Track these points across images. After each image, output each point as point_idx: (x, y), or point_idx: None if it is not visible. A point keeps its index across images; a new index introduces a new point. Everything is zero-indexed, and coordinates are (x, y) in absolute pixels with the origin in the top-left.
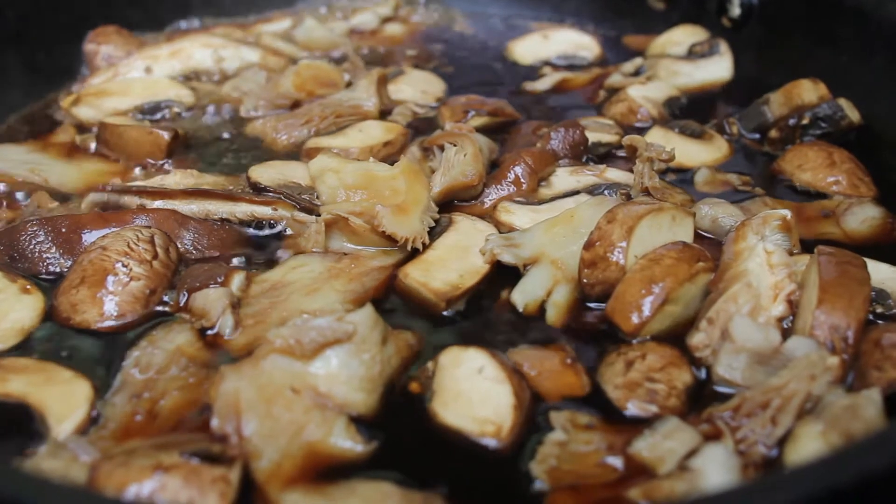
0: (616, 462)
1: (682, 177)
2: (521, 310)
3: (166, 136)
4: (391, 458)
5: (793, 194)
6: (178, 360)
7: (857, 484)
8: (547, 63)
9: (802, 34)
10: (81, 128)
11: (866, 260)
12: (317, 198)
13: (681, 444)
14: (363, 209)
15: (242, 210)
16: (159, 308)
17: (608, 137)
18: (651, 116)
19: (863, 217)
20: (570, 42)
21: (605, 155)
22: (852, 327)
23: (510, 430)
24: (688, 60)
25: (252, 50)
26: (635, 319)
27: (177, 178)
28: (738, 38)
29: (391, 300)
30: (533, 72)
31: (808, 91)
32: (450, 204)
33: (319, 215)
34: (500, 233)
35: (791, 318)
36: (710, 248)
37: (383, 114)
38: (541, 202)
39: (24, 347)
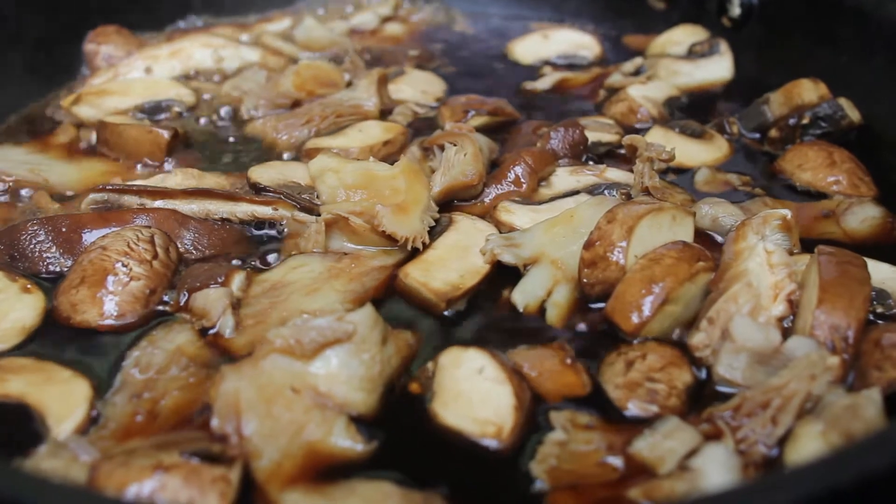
0: (616, 462)
1: (682, 176)
2: (521, 310)
3: (166, 135)
4: (391, 458)
5: (793, 194)
6: (178, 359)
7: (857, 484)
8: (547, 63)
9: (802, 34)
10: (82, 127)
11: (866, 260)
12: (317, 197)
13: (681, 444)
14: (363, 209)
15: (243, 210)
16: (159, 308)
17: (608, 137)
18: (651, 116)
19: (863, 217)
20: (571, 42)
21: (605, 154)
22: (852, 327)
23: (511, 431)
24: (688, 60)
25: (252, 50)
26: (635, 319)
27: (177, 177)
28: (739, 37)
29: (391, 300)
30: (533, 71)
31: (809, 91)
32: (450, 203)
33: (319, 215)
34: (501, 233)
35: (791, 317)
36: (711, 247)
37: (383, 114)
38: (541, 202)
39: (25, 347)
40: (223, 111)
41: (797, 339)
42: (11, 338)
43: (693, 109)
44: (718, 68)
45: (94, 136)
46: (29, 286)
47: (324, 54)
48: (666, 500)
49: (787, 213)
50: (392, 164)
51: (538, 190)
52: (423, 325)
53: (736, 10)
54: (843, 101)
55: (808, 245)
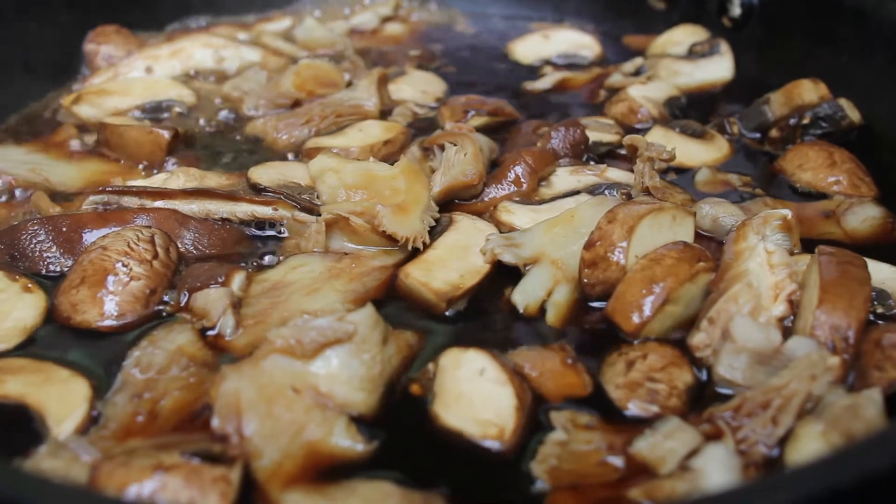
0: (617, 462)
1: (682, 176)
2: (521, 310)
3: (167, 135)
4: (392, 459)
5: (793, 194)
6: (178, 359)
7: (857, 484)
8: (548, 62)
9: (803, 34)
10: (82, 127)
11: (867, 260)
12: (317, 197)
13: (682, 444)
14: (363, 209)
15: (243, 210)
16: (160, 308)
17: (609, 137)
18: (651, 116)
19: (863, 217)
20: (571, 41)
21: (605, 154)
22: (853, 327)
23: (513, 432)
24: (688, 60)
25: (252, 50)
26: (636, 319)
27: (178, 178)
28: (739, 37)
29: (392, 300)
30: (533, 71)
31: (809, 91)
32: (450, 203)
33: (320, 215)
34: (501, 233)
35: (792, 317)
36: (711, 247)
37: (383, 114)
38: (541, 202)
39: (26, 347)
40: (223, 111)
41: (798, 340)
42: (13, 337)
43: (693, 109)
44: (719, 68)
45: (87, 139)
46: (30, 286)
47: (324, 54)
48: (666, 500)
49: (788, 213)
50: (392, 164)
51: (538, 190)
52: (424, 325)
53: (736, 10)
54: (843, 102)
55: (808, 245)
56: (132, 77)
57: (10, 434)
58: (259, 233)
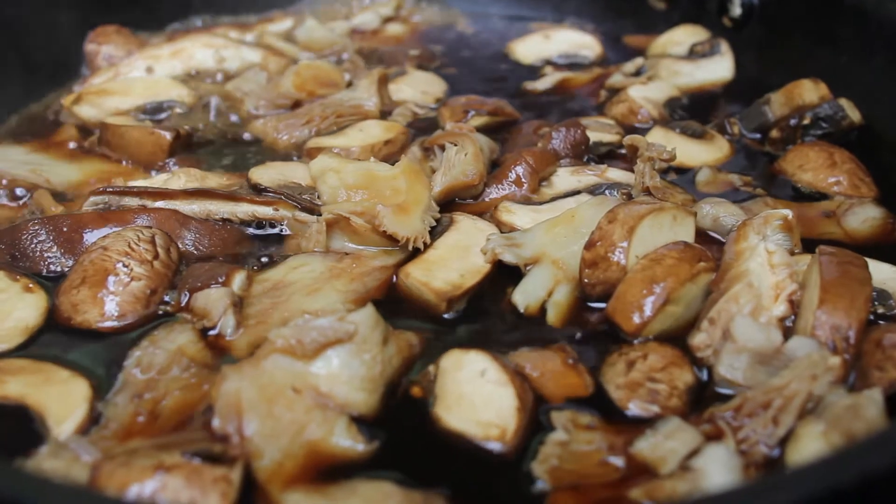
0: (618, 462)
1: (683, 177)
2: (522, 310)
3: (168, 136)
4: (393, 459)
5: (794, 194)
6: (179, 360)
7: (858, 484)
8: (548, 62)
9: (803, 34)
10: (83, 128)
11: (867, 260)
12: (318, 198)
13: (682, 444)
14: (364, 209)
15: (244, 210)
16: (161, 308)
17: (609, 137)
18: (652, 117)
19: (864, 217)
20: (572, 41)
21: (606, 154)
22: (854, 327)
23: (515, 433)
24: (689, 60)
25: (253, 50)
26: (637, 319)
27: (180, 178)
28: (739, 37)
29: (392, 300)
30: (534, 72)
31: (809, 91)
32: (451, 203)
33: (320, 215)
34: (501, 233)
35: (792, 318)
36: (712, 247)
37: (384, 114)
38: (542, 202)
39: (27, 347)
40: (224, 111)
41: (798, 340)
42: (14, 337)
43: (694, 110)
44: (719, 68)
45: (88, 140)
46: (31, 286)
47: (324, 54)
48: (667, 500)
49: (789, 213)
50: (393, 164)
51: (539, 190)
52: (425, 325)
53: (737, 11)
54: (843, 102)
55: (809, 245)
56: (133, 77)
57: (10, 435)
58: (260, 233)
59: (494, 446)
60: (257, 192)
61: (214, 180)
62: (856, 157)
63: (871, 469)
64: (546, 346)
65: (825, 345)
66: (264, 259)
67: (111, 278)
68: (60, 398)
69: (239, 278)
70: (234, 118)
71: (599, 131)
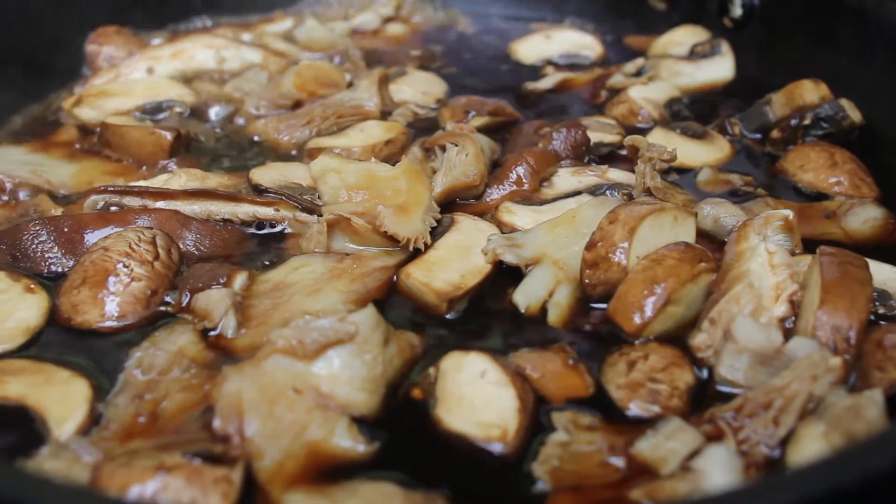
0: (618, 462)
1: (683, 177)
2: (522, 310)
3: (169, 136)
4: (394, 460)
5: (794, 195)
6: (180, 360)
7: (859, 485)
8: (549, 62)
9: (804, 34)
10: (83, 128)
11: (868, 260)
12: (318, 198)
13: (683, 445)
14: (365, 209)
15: (244, 211)
16: (161, 309)
17: (610, 138)
18: (652, 118)
19: (864, 218)
20: (573, 41)
21: (607, 155)
22: (854, 328)
23: (516, 434)
24: (689, 61)
25: (253, 50)
26: (637, 320)
27: (180, 178)
28: (740, 38)
29: (393, 300)
30: (535, 72)
31: (810, 91)
32: (451, 204)
33: (321, 216)
34: (502, 233)
35: (793, 318)
36: (712, 248)
37: (384, 114)
38: (543, 202)
39: (29, 347)
40: (224, 112)
41: (799, 340)
42: (16, 337)
43: (694, 110)
44: (720, 69)
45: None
46: (32, 286)
47: (325, 55)
48: (668, 500)
49: (789, 213)
50: (394, 164)
51: (540, 190)
52: (425, 325)
53: (737, 11)
54: (844, 102)
55: (809, 246)
56: (133, 78)
57: (11, 435)
58: (261, 233)
59: (495, 447)
60: (258, 192)
61: (215, 180)
62: (857, 158)
63: (871, 470)
64: (546, 347)
65: (826, 345)
66: (265, 260)
67: (112, 279)
68: (61, 399)
69: (240, 279)
70: (234, 118)
71: (600, 132)
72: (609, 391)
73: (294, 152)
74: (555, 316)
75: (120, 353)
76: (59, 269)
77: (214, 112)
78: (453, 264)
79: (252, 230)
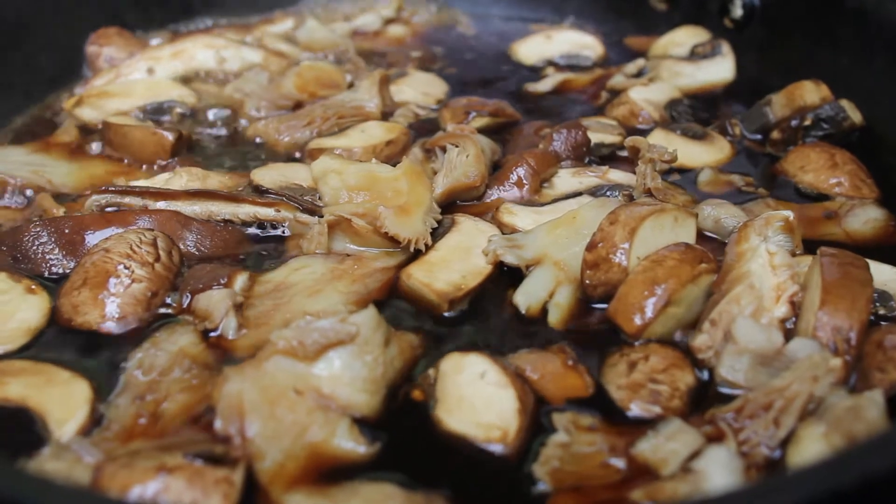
0: (619, 463)
1: (684, 178)
2: (523, 311)
3: (170, 136)
4: (394, 461)
5: (795, 195)
6: (181, 361)
7: (859, 485)
8: (550, 63)
9: (804, 35)
10: (84, 128)
11: (868, 261)
12: (319, 199)
13: (684, 446)
14: (366, 210)
15: (245, 211)
16: (162, 310)
17: (611, 138)
18: (653, 119)
19: (865, 218)
20: (574, 42)
21: (607, 156)
22: (855, 329)
23: (516, 435)
24: (690, 61)
25: (254, 51)
26: (638, 321)
27: (180, 178)
28: (740, 39)
29: (394, 301)
30: (535, 73)
31: (810, 92)
32: (452, 205)
33: (322, 216)
34: (503, 234)
35: (794, 319)
36: (713, 249)
37: (385, 115)
38: (543, 203)
39: (30, 348)
40: (225, 113)
41: (799, 341)
42: (18, 338)
43: (695, 111)
44: (720, 69)
45: (94, 146)
46: (33, 287)
47: (325, 55)
48: (668, 501)
49: (790, 214)
50: (394, 165)
51: (541, 191)
52: (426, 326)
53: (738, 12)
54: (844, 103)
55: (810, 246)
56: (134, 79)
57: (12, 436)
58: (261, 234)
59: (496, 448)
60: (259, 193)
61: (216, 179)
62: (857, 159)
63: (872, 471)
64: (546, 348)
65: (826, 346)
66: (266, 261)
67: (112, 280)
68: (62, 400)
69: (240, 280)
70: (235, 119)
71: (601, 133)
72: (610, 392)
73: (297, 154)
74: (555, 317)
75: (121, 353)
76: (60, 271)
77: (215, 113)
78: (454, 265)
79: (253, 230)
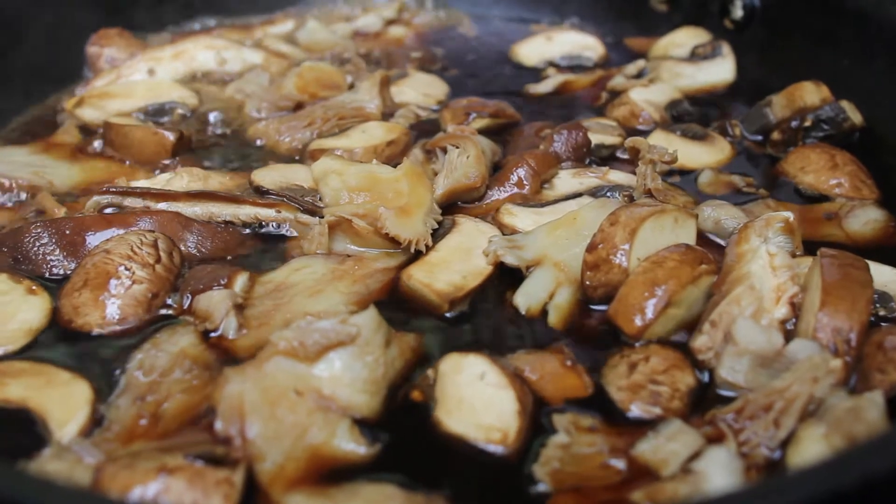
0: (619, 464)
1: (685, 178)
2: (523, 312)
3: (171, 137)
4: (395, 461)
5: (795, 196)
6: (181, 362)
7: (859, 486)
8: (551, 64)
9: (804, 36)
10: (85, 128)
11: (869, 262)
12: (320, 200)
13: (684, 447)
14: (366, 211)
15: (246, 212)
16: (163, 311)
17: (611, 139)
18: (653, 120)
19: (865, 219)
20: (575, 43)
21: (607, 157)
22: (855, 329)
23: (516, 436)
24: (690, 62)
25: (255, 52)
26: (638, 322)
27: (181, 177)
28: (741, 40)
29: (394, 302)
30: (535, 74)
31: (811, 93)
32: (453, 206)
33: (323, 217)
34: (503, 235)
35: (794, 320)
36: (713, 250)
37: (385, 116)
38: (543, 204)
39: (30, 349)
40: (226, 113)
41: (799, 342)
42: (19, 339)
43: (695, 112)
44: (721, 70)
45: (96, 144)
46: (34, 288)
47: (326, 56)
48: (669, 502)
49: (790, 215)
50: (395, 166)
51: (541, 192)
52: (427, 326)
53: (738, 13)
54: (845, 104)
55: (810, 247)
56: (135, 79)
57: (13, 437)
58: (262, 235)
59: (496, 449)
60: (260, 194)
61: (217, 180)
62: (857, 160)
63: (872, 472)
64: (545, 349)
65: (826, 347)
66: (267, 261)
67: (113, 281)
68: (62, 401)
69: (241, 280)
70: (235, 120)
71: (601, 133)
72: (610, 393)
73: (297, 157)
74: (555, 318)
75: (121, 354)
76: (61, 272)
77: (215, 114)
78: (454, 266)
79: (254, 230)
